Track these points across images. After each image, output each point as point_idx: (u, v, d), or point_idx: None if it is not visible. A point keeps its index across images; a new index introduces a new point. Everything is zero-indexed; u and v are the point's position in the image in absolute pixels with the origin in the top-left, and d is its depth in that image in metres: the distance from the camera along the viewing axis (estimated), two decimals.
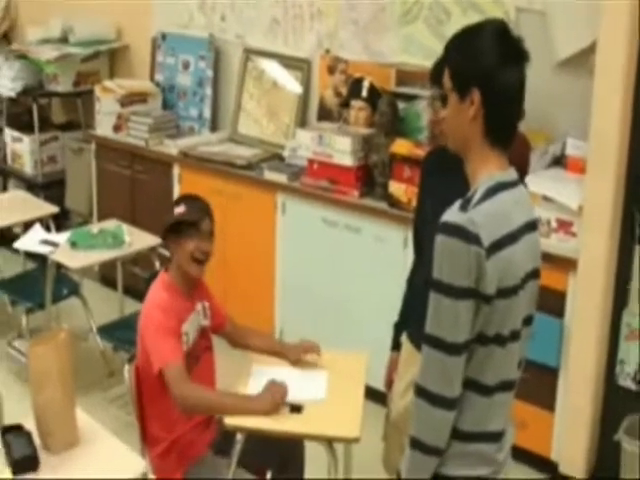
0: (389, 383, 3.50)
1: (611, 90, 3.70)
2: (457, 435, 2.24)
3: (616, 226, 3.80)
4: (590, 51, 4.00)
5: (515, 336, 2.24)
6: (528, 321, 2.33)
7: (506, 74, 2.18)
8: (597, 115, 3.74)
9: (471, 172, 2.26)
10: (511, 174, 2.27)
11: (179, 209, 3.40)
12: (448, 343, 2.14)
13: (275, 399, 3.17)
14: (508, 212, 2.20)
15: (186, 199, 3.52)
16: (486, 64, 2.17)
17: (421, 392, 2.20)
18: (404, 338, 3.39)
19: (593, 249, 3.81)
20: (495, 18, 2.34)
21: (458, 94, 2.21)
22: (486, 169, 2.22)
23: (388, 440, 3.49)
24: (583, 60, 4.17)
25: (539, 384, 3.97)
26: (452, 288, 2.12)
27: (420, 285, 3.16)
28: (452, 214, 2.15)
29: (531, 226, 2.29)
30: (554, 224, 3.96)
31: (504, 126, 2.24)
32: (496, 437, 2.30)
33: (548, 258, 3.85)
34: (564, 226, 3.95)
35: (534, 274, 2.32)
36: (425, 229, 3.14)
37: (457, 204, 2.17)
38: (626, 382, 3.92)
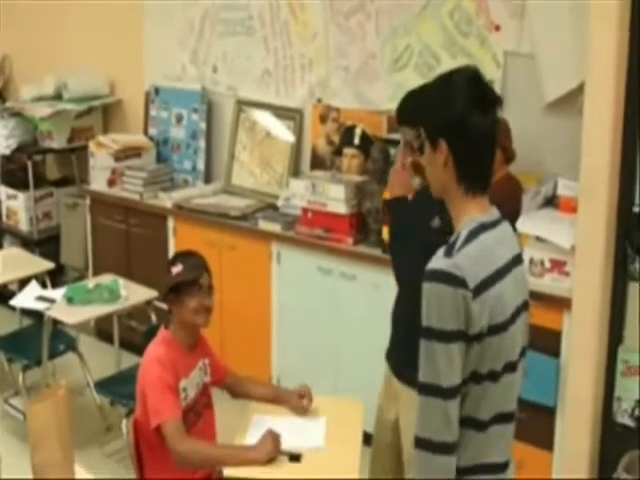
0: None
1: (600, 129, 3.71)
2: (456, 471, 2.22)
3: (609, 263, 3.79)
4: (578, 92, 4.01)
5: (512, 368, 2.25)
6: (522, 353, 2.35)
7: (472, 122, 2.20)
8: (587, 154, 3.75)
9: (453, 216, 2.30)
10: (492, 214, 2.31)
11: (176, 269, 3.36)
12: (445, 388, 2.13)
13: (272, 448, 3.14)
14: (492, 251, 2.23)
15: (181, 256, 3.48)
16: (451, 114, 2.21)
17: (422, 443, 2.18)
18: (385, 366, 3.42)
19: (586, 287, 3.81)
20: (467, 65, 2.36)
21: (430, 144, 2.27)
22: (467, 212, 2.26)
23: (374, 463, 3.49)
24: (572, 101, 4.20)
25: (536, 424, 3.94)
26: (443, 332, 2.12)
27: (398, 315, 3.38)
28: (437, 261, 2.18)
29: (517, 260, 2.32)
30: (547, 264, 3.96)
31: (476, 172, 2.27)
32: (496, 469, 2.29)
33: (542, 298, 3.87)
34: (557, 266, 3.95)
35: (524, 307, 2.35)
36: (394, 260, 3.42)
37: (441, 250, 2.20)
38: (624, 419, 3.88)
